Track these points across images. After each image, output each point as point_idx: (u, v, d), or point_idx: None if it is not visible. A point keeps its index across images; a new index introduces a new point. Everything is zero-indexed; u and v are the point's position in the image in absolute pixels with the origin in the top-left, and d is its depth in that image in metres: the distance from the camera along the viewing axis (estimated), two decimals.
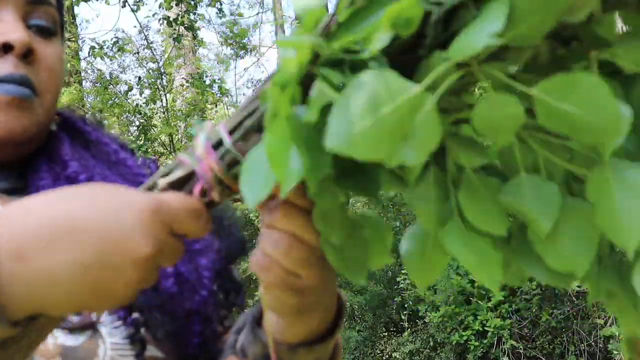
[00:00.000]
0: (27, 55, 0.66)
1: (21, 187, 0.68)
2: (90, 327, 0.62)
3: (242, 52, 9.46)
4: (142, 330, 0.63)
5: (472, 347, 4.35)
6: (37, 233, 0.39)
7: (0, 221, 0.40)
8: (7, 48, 0.64)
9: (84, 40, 7.23)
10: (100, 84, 7.48)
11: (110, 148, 0.74)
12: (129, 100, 7.19)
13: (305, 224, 0.44)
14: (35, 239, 0.39)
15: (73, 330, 0.61)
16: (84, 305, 0.40)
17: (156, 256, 0.41)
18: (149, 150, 7.03)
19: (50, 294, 0.39)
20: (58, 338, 0.60)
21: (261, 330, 0.57)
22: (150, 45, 7.57)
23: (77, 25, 7.03)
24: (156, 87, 6.99)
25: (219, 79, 8.59)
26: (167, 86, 7.41)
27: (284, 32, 8.88)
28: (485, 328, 4.35)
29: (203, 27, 9.47)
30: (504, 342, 4.35)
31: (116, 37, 6.97)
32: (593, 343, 4.31)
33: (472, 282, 4.45)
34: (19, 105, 0.64)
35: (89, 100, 7.45)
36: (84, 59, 7.42)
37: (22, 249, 0.38)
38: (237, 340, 0.60)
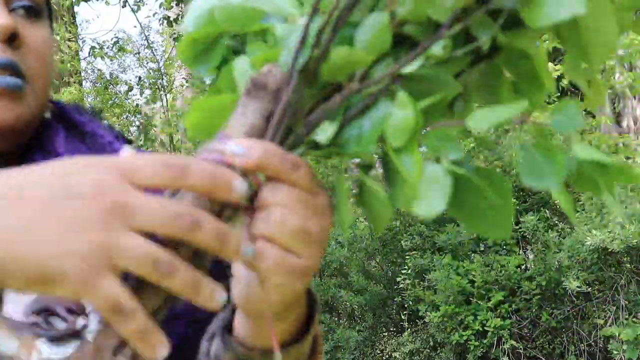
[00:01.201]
0: (12, 40, 0.63)
1: None
2: (77, 335, 0.59)
3: None
4: None
5: (472, 347, 4.35)
6: None
7: None
8: None
9: (84, 40, 7.24)
10: (100, 84, 7.48)
11: (105, 140, 0.72)
12: (129, 100, 7.19)
13: (299, 194, 0.42)
14: None
15: (58, 340, 0.57)
16: (44, 260, 0.37)
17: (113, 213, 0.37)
18: (149, 150, 7.03)
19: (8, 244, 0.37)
20: (42, 353, 0.56)
21: (232, 337, 0.55)
22: (151, 45, 7.57)
23: (77, 25, 7.02)
24: (156, 87, 6.99)
25: None
26: (167, 86, 7.41)
27: None
28: (485, 328, 4.34)
29: None
30: (504, 342, 4.35)
31: (116, 37, 6.97)
32: (593, 343, 4.31)
33: (472, 282, 4.45)
34: (9, 96, 0.62)
35: (89, 100, 7.44)
36: (84, 59, 7.43)
37: None
38: (210, 349, 0.58)
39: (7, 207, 0.38)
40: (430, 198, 0.40)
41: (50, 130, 0.71)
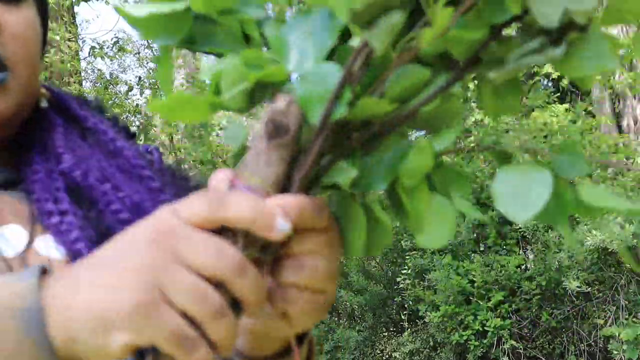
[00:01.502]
0: None
1: (15, 180, 0.65)
2: None
3: None
4: None
5: (472, 347, 4.35)
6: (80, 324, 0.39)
7: (52, 308, 0.40)
8: None
9: (84, 40, 7.24)
10: (100, 84, 7.48)
11: (107, 137, 0.70)
12: (129, 101, 7.19)
13: (324, 239, 0.42)
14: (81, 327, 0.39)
15: None
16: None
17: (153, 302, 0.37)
18: None
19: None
20: None
21: None
22: (151, 45, 7.56)
23: (77, 25, 7.02)
24: (156, 87, 6.99)
25: None
26: None
27: None
28: (485, 328, 4.34)
29: None
30: (503, 342, 4.35)
31: (116, 37, 6.97)
32: (593, 343, 4.31)
33: (472, 282, 4.45)
34: None
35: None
36: (84, 59, 7.43)
37: (72, 336, 0.39)
38: None
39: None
40: (435, 231, 0.40)
41: (48, 123, 0.69)
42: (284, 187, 0.40)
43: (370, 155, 0.41)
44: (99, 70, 7.99)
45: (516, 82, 0.43)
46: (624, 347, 3.90)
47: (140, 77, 7.01)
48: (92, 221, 0.62)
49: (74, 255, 0.59)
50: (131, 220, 0.62)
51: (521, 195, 0.37)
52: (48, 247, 0.60)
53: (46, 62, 6.18)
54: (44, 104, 0.71)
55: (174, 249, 0.38)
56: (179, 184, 0.73)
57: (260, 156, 0.40)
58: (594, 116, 6.42)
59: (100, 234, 0.61)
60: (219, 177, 0.42)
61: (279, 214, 0.39)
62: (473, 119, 5.15)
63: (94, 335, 0.38)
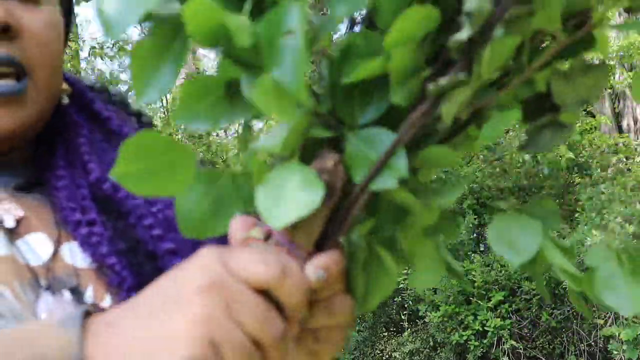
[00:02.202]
0: (7, 31, 0.57)
1: (37, 181, 0.63)
2: None
3: None
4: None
5: (472, 347, 4.35)
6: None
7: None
8: None
9: (84, 40, 7.24)
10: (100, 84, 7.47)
11: None
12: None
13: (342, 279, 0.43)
14: None
15: None
16: None
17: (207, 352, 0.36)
18: None
19: None
20: None
21: None
22: None
23: (77, 25, 7.02)
24: None
25: None
26: None
27: None
28: (485, 328, 4.35)
29: None
30: (503, 342, 4.35)
31: None
32: (593, 343, 4.31)
33: (472, 282, 4.45)
34: (8, 102, 0.58)
35: None
36: (84, 59, 7.43)
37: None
38: None
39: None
40: (425, 274, 0.42)
41: (70, 123, 0.66)
42: (321, 246, 0.41)
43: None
44: (99, 70, 7.99)
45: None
46: (624, 347, 3.90)
47: None
48: (121, 233, 0.60)
49: (103, 267, 0.58)
50: (164, 237, 0.61)
51: (514, 243, 0.39)
52: (74, 255, 0.59)
53: None
54: (65, 100, 0.68)
55: (228, 305, 0.37)
56: None
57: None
58: (593, 116, 6.42)
59: (131, 247, 0.59)
60: (250, 223, 0.41)
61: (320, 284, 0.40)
62: None
63: None
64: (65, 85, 0.69)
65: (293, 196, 0.36)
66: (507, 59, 0.37)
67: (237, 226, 0.42)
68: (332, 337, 0.43)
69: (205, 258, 0.38)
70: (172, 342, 0.36)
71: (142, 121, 0.73)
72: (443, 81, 0.36)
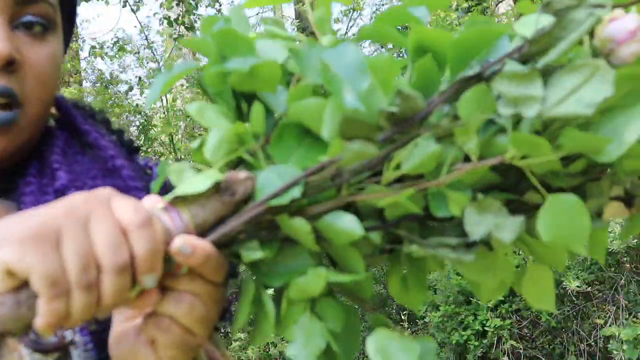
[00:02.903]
0: (11, 64, 0.59)
1: (10, 187, 0.65)
2: (62, 350, 0.59)
3: None
4: None
5: (472, 347, 4.35)
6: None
7: None
8: None
9: (84, 40, 7.24)
10: (100, 84, 7.48)
11: (107, 154, 0.68)
12: (129, 101, 7.19)
13: (210, 289, 0.46)
14: None
15: (42, 352, 0.58)
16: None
17: None
18: (149, 150, 7.03)
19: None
20: (24, 358, 0.57)
21: None
22: (151, 45, 7.57)
23: (77, 25, 7.03)
24: None
25: None
26: None
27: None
28: (485, 328, 4.35)
29: None
30: (503, 342, 4.35)
31: (116, 37, 6.97)
32: (593, 343, 4.31)
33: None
34: None
35: (89, 100, 7.44)
36: (84, 59, 7.43)
37: None
38: None
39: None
40: (299, 347, 0.45)
41: (49, 137, 0.68)
42: (203, 235, 0.45)
43: (278, 254, 0.47)
44: (99, 70, 8.00)
45: (423, 276, 0.50)
46: (624, 347, 3.90)
47: (140, 77, 7.00)
48: None
49: None
50: None
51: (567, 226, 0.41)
52: None
53: None
54: (51, 123, 0.71)
55: (89, 220, 0.41)
56: None
57: (201, 198, 0.45)
58: None
59: None
60: (154, 199, 0.46)
61: (185, 242, 0.43)
62: None
63: None
64: (53, 110, 0.71)
65: (192, 178, 0.45)
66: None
67: (146, 201, 0.46)
68: (173, 330, 0.46)
69: (99, 190, 0.43)
70: (30, 218, 0.40)
71: (123, 139, 0.75)
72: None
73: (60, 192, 0.63)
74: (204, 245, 0.44)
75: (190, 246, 0.43)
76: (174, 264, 0.45)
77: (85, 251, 0.39)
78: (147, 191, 0.68)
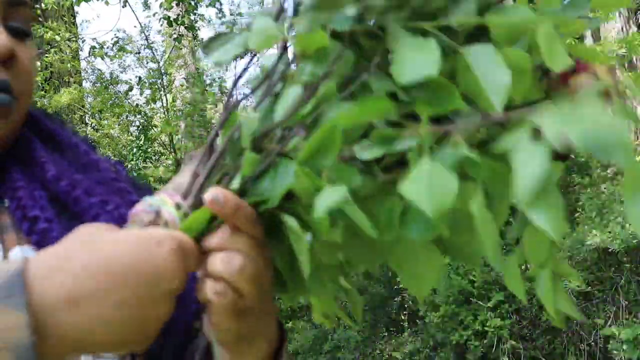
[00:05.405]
0: (10, 59, 0.63)
1: None
2: None
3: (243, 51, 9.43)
4: None
5: (472, 347, 4.35)
6: (80, 280, 0.41)
7: (40, 272, 0.41)
8: None
9: (84, 40, 7.24)
10: (100, 84, 7.48)
11: (81, 149, 0.72)
12: (129, 101, 7.18)
13: (254, 244, 0.48)
14: (81, 286, 0.41)
15: None
16: (125, 342, 0.43)
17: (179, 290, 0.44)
18: (149, 150, 7.03)
19: (99, 334, 0.41)
20: None
21: None
22: (151, 45, 7.56)
23: (77, 25, 7.02)
24: (156, 87, 6.99)
25: (219, 79, 8.60)
26: (167, 86, 7.41)
27: None
28: (485, 328, 4.35)
29: (203, 27, 9.47)
30: (504, 342, 4.35)
31: (116, 37, 6.97)
32: (593, 343, 4.31)
33: (472, 282, 4.45)
34: (1, 112, 0.63)
35: (89, 100, 7.44)
36: (84, 59, 7.42)
37: (72, 297, 0.41)
38: None
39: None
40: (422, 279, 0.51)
41: (25, 141, 0.70)
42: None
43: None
44: (99, 70, 8.00)
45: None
46: (624, 347, 3.90)
47: (140, 77, 7.00)
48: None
49: None
50: None
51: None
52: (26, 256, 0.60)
53: (46, 62, 6.17)
54: None
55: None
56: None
57: (180, 172, 0.56)
58: None
59: None
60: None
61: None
62: None
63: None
64: None
65: None
66: None
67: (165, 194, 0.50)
68: (227, 293, 0.47)
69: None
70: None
71: (84, 138, 0.77)
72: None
73: (52, 184, 0.65)
74: (231, 194, 0.47)
75: (222, 195, 0.46)
76: (215, 225, 0.48)
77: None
78: (127, 185, 0.71)
